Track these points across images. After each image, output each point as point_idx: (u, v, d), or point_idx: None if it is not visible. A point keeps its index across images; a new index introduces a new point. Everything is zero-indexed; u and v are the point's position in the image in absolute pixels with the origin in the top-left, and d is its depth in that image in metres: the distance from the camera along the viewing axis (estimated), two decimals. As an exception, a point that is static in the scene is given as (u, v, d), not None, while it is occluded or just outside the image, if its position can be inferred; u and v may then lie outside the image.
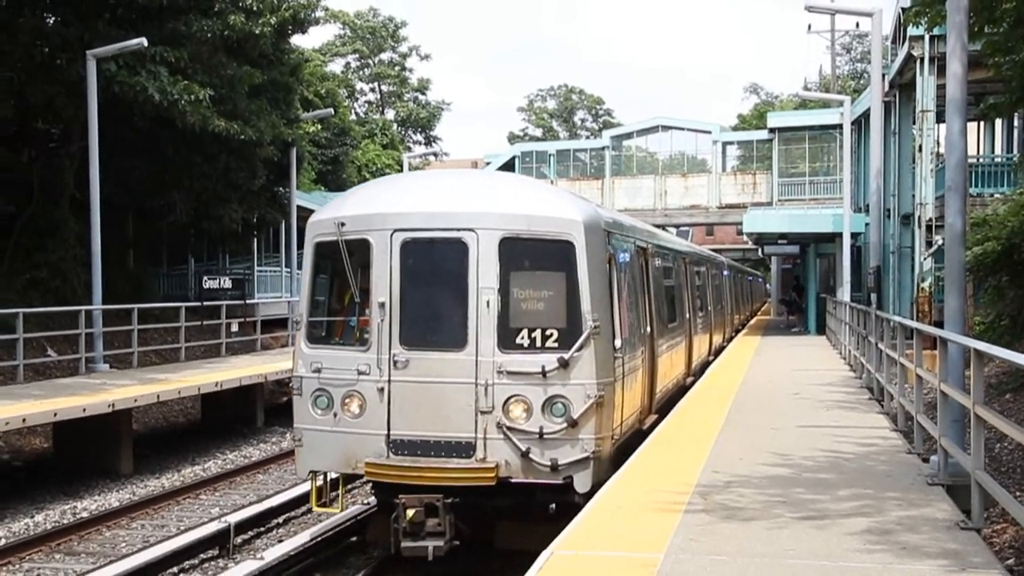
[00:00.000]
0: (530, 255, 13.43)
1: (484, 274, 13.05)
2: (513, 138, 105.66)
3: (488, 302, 12.98)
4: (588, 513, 10.52)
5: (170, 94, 29.85)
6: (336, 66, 77.57)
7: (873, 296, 33.51)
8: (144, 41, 27.71)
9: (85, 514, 18.76)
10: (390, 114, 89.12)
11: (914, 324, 17.06)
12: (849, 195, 39.79)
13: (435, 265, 13.65)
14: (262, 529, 17.50)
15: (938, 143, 34.13)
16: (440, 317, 13.66)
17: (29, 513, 18.96)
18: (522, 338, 13.06)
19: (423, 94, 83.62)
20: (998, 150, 41.33)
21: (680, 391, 22.12)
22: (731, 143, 63.99)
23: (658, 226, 35.98)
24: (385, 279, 13.45)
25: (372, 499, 16.00)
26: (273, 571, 14.59)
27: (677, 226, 54.78)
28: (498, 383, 12.87)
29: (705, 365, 29.20)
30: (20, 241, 32.09)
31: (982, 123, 38.49)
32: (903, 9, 30.54)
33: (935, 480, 11.63)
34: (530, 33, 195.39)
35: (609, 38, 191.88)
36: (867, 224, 39.48)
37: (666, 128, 64.59)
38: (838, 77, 72.82)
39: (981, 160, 38.30)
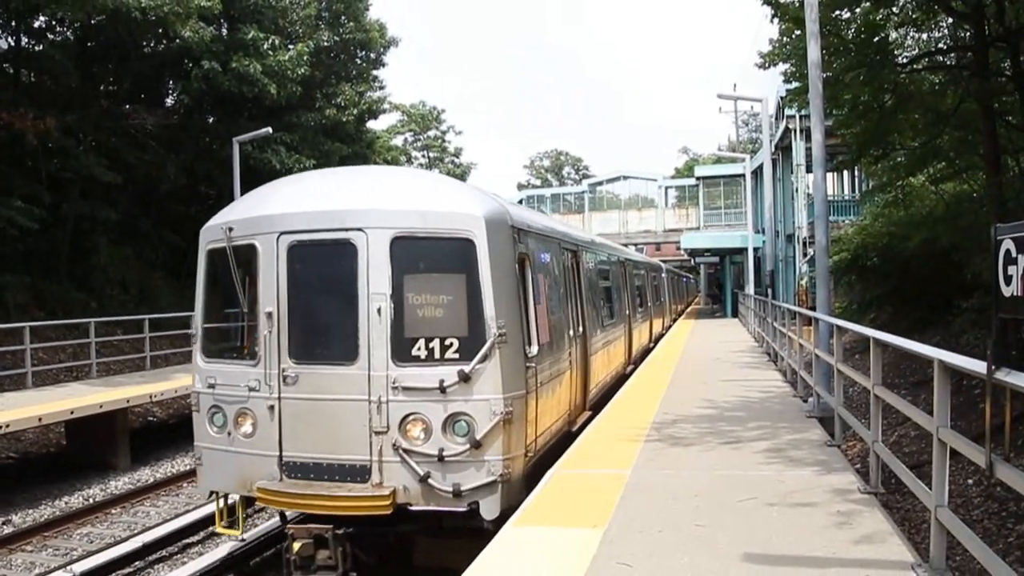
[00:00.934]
0: (426, 256, 8.97)
1: (375, 278, 8.82)
2: (520, 187, 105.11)
3: (380, 309, 8.72)
4: (579, 444, 10.44)
5: (287, 164, 30.09)
6: (398, 140, 77.70)
7: (769, 290, 33.68)
8: (270, 129, 27.70)
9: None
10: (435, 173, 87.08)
11: (796, 309, 17.23)
12: (751, 222, 39.95)
13: (324, 270, 9.33)
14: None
15: (808, 187, 34.64)
16: (330, 327, 9.37)
17: None
18: (419, 349, 8.73)
19: (457, 158, 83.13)
20: (846, 191, 41.63)
21: (621, 379, 17.41)
22: (671, 187, 64.00)
23: (624, 244, 35.36)
24: (272, 287, 9.22)
25: None
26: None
27: (636, 244, 54.78)
28: (393, 400, 8.70)
29: (648, 350, 24.46)
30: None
31: (836, 173, 38.77)
32: (782, 97, 31.29)
33: (811, 414, 11.77)
34: (534, 101, 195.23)
35: (589, 103, 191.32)
36: (764, 241, 39.65)
37: (626, 177, 64.87)
38: (740, 141, 72.65)
39: (837, 198, 38.58)
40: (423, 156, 79.66)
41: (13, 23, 26.09)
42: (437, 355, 8.71)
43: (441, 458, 8.54)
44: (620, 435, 10.76)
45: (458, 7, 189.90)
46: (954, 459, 6.88)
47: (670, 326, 35.12)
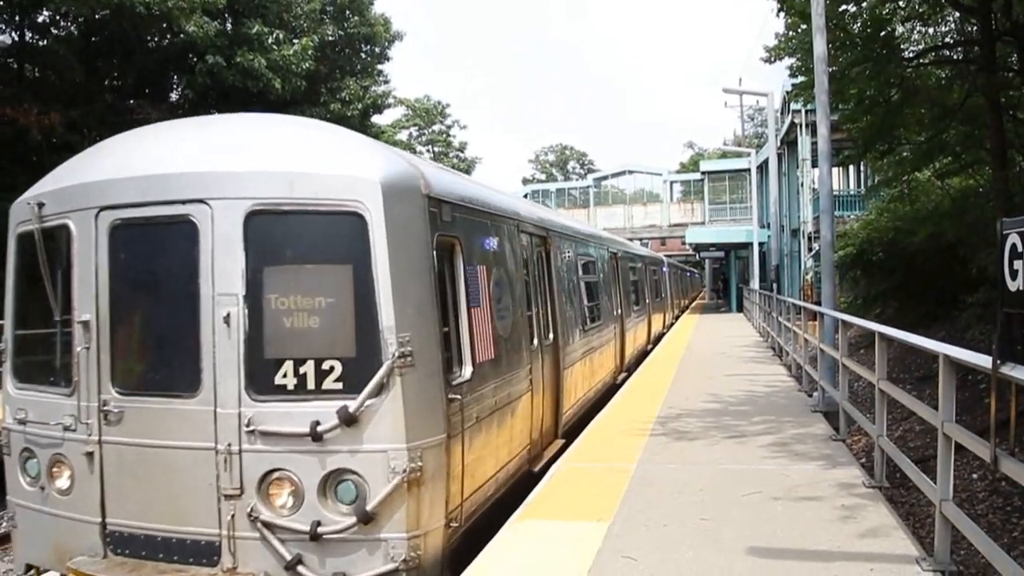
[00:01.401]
0: (295, 239, 6.07)
1: (222, 272, 6.02)
2: (525, 181, 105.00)
3: (228, 317, 5.96)
4: (584, 438, 10.39)
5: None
6: (403, 135, 77.69)
7: (775, 285, 33.63)
8: (274, 125, 27.61)
9: None
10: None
11: (801, 303, 17.25)
12: (756, 217, 39.94)
13: (157, 260, 6.45)
14: None
15: (813, 181, 34.61)
16: (165, 343, 6.50)
17: None
18: (285, 376, 5.95)
19: (462, 152, 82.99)
20: (852, 186, 41.51)
21: (610, 390, 14.96)
22: (676, 182, 63.83)
23: (629, 239, 34.81)
24: (90, 285, 6.43)
25: None
26: None
27: (641, 239, 54.67)
28: (248, 449, 5.97)
29: (646, 352, 21.70)
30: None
31: (841, 168, 38.70)
32: (787, 92, 31.22)
33: (816, 408, 11.78)
34: (539, 95, 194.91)
35: (594, 99, 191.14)
36: (769, 236, 39.74)
37: (631, 172, 64.68)
38: (746, 136, 72.58)
39: (842, 192, 38.49)
40: (428, 151, 79.63)
41: (17, 18, 26.16)
42: (311, 385, 5.94)
43: (316, 536, 5.86)
44: (626, 427, 10.78)
45: (461, 2, 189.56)
46: (959, 454, 6.90)
47: (672, 323, 34.48)
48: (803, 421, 10.95)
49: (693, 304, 57.71)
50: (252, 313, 5.98)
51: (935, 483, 5.90)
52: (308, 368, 5.96)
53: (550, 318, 10.82)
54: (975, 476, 10.25)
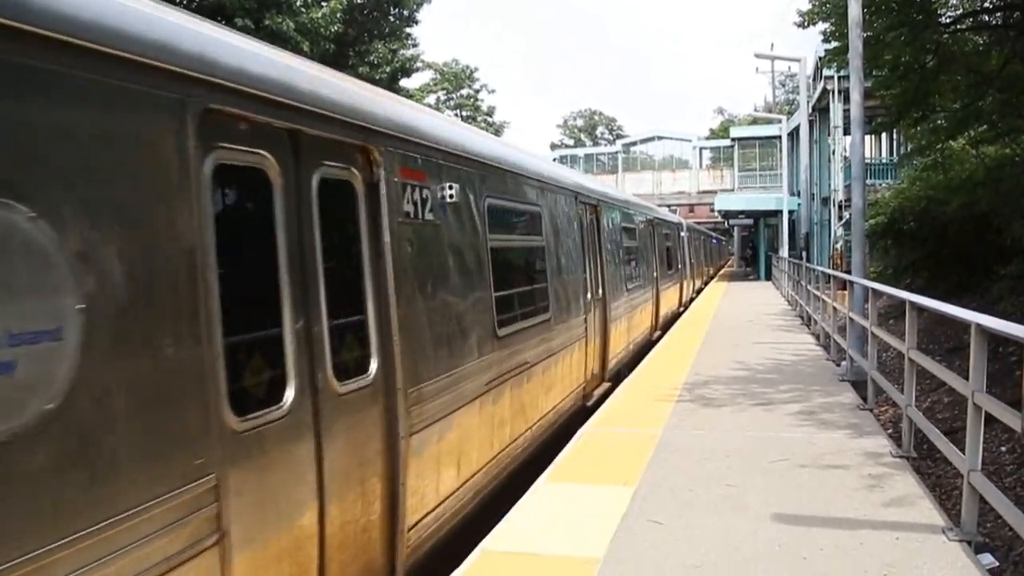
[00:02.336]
0: None
1: None
2: (553, 146, 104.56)
3: None
4: (610, 403, 10.43)
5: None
6: (430, 99, 77.57)
7: (804, 254, 33.44)
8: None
9: None
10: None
11: (831, 272, 17.12)
12: (786, 184, 39.68)
13: None
14: None
15: (845, 149, 34.21)
16: None
17: None
18: None
19: (490, 116, 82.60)
20: (884, 154, 41.01)
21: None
22: (705, 148, 63.35)
23: (658, 206, 34.39)
24: None
25: None
26: None
27: (669, 205, 54.45)
28: None
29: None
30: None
31: (874, 135, 38.20)
32: (820, 57, 30.81)
33: (844, 377, 11.73)
34: (564, 64, 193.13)
35: (622, 64, 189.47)
36: (799, 204, 39.31)
37: (660, 138, 64.33)
38: (777, 103, 71.67)
39: (874, 161, 38.04)
40: (456, 114, 79.42)
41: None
42: None
43: None
44: (653, 394, 10.81)
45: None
46: (987, 427, 6.86)
47: (701, 289, 34.57)
48: (831, 390, 10.93)
49: (721, 272, 57.47)
50: None
51: (963, 453, 5.90)
52: None
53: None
54: (1003, 449, 10.20)
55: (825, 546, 5.48)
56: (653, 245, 19.33)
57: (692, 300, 28.91)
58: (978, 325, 5.70)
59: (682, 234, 28.38)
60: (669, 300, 21.50)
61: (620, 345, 13.67)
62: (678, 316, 22.58)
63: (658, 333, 18.54)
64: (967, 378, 5.87)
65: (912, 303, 7.93)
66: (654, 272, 18.94)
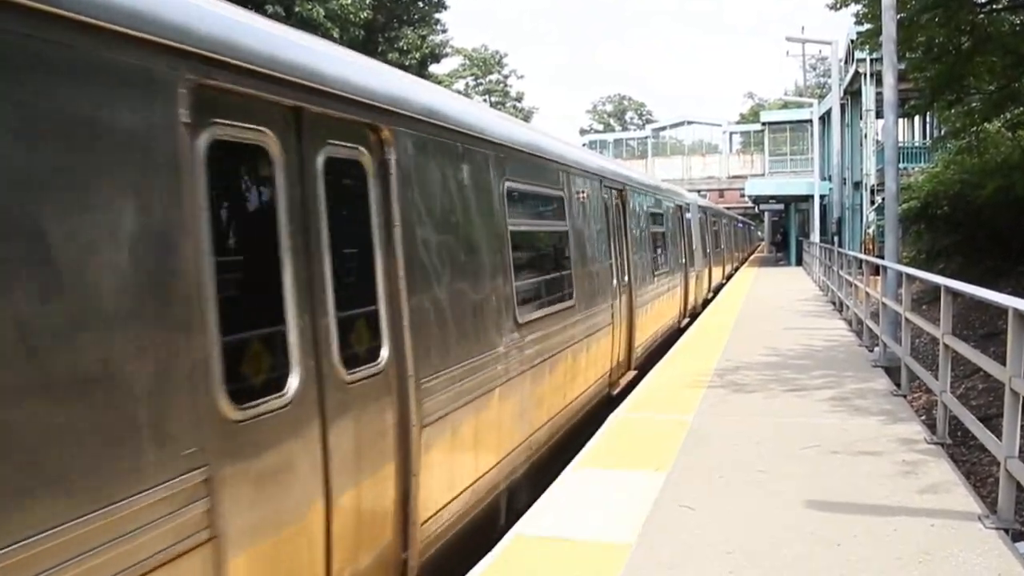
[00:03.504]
0: None
1: None
2: (583, 132, 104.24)
3: None
4: (641, 389, 10.38)
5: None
6: (459, 85, 77.63)
7: (836, 239, 33.18)
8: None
9: None
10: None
11: (864, 257, 16.96)
12: (818, 169, 39.20)
13: None
14: None
15: (877, 133, 33.83)
16: None
17: None
18: None
19: (519, 102, 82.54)
20: (917, 137, 40.49)
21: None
22: (735, 133, 63.07)
23: (688, 191, 34.05)
24: None
25: None
26: None
27: (699, 190, 54.21)
28: None
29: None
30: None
31: (907, 118, 37.74)
32: (852, 40, 30.44)
33: (877, 364, 11.60)
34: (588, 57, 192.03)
35: (654, 57, 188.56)
36: (831, 189, 38.94)
37: (690, 123, 64.18)
38: (808, 86, 70.99)
39: (907, 144, 37.58)
40: (485, 100, 79.39)
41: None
42: None
43: None
44: (684, 379, 10.75)
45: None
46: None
47: (731, 275, 34.17)
48: (863, 376, 10.82)
49: (751, 257, 57.17)
50: None
51: (1000, 440, 5.82)
52: None
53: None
54: (1040, 434, 10.09)
55: (858, 532, 5.44)
56: (681, 230, 18.91)
57: (722, 286, 28.79)
58: (1016, 310, 5.61)
59: (711, 218, 28.08)
60: (698, 286, 21.21)
61: (647, 333, 13.32)
62: (708, 303, 22.24)
63: (687, 320, 18.25)
64: (1004, 363, 5.79)
65: (947, 288, 7.83)
66: (682, 258, 18.52)
